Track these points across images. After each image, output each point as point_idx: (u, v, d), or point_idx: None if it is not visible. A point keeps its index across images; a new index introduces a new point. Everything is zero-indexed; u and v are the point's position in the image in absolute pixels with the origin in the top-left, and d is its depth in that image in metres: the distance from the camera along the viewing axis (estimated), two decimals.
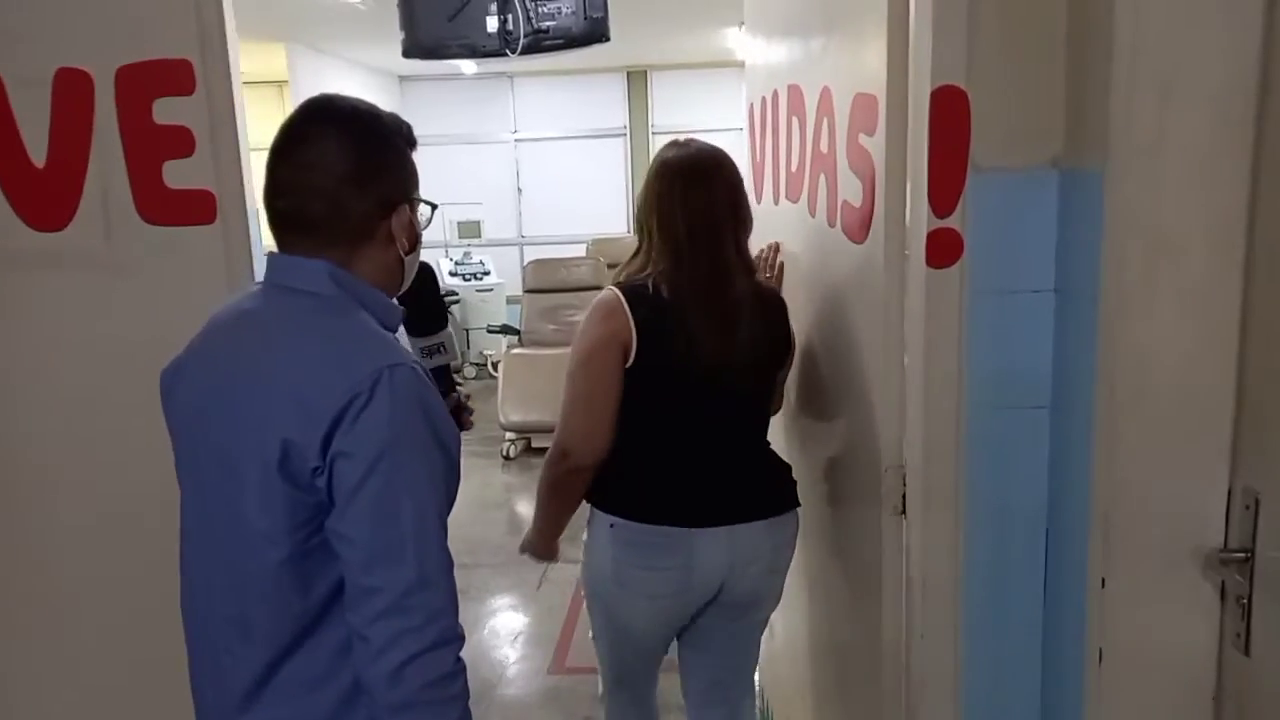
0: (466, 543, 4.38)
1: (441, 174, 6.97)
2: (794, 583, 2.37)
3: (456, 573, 1.17)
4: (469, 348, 8.22)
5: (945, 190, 1.37)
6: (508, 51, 3.43)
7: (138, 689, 1.81)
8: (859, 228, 1.65)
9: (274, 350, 1.16)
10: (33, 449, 1.77)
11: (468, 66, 7.57)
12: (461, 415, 1.52)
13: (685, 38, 7.40)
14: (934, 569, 1.48)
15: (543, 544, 2.02)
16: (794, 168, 2.15)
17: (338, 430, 1.08)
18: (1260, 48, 1.16)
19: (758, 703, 2.97)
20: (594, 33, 3.47)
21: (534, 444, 5.68)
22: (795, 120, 2.11)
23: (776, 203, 2.35)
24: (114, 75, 1.64)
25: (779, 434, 2.42)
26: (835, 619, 2.08)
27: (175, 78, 1.63)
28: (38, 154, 1.66)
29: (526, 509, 3.89)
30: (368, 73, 8.14)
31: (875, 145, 1.53)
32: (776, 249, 2.31)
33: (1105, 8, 1.22)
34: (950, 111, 1.34)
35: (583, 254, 7.49)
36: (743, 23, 2.85)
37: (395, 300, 1.29)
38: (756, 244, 2.33)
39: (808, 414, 2.16)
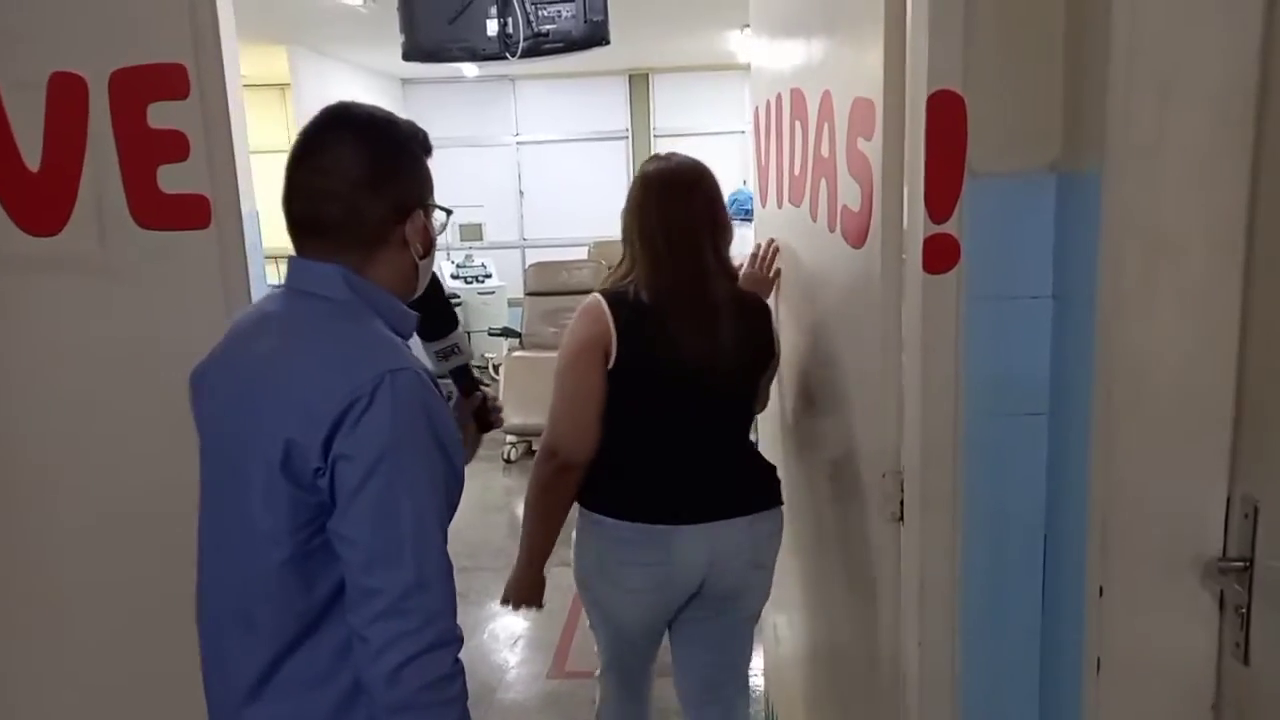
0: (467, 546, 4.37)
1: (443, 176, 6.89)
2: (795, 588, 2.36)
3: (457, 576, 1.17)
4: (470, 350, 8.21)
5: (942, 195, 1.36)
6: (508, 55, 3.43)
7: (137, 689, 1.82)
8: (857, 233, 1.64)
9: (284, 353, 1.19)
10: (29, 452, 1.77)
11: (469, 69, 7.57)
12: (488, 414, 1.55)
13: (687, 40, 7.40)
14: (932, 575, 1.47)
15: (526, 573, 2.00)
16: (797, 171, 2.15)
17: (338, 433, 1.10)
18: (1259, 47, 1.15)
19: (762, 708, 2.98)
20: (594, 36, 3.47)
21: (535, 447, 5.73)
22: (798, 124, 2.10)
23: (780, 206, 2.35)
24: (108, 79, 1.63)
25: (776, 438, 2.41)
26: (834, 624, 2.07)
27: (169, 82, 1.63)
28: (32, 158, 1.66)
29: None
30: (370, 75, 8.15)
31: (873, 150, 1.53)
32: (775, 249, 2.31)
33: (1103, 8, 1.21)
34: (947, 116, 1.34)
35: (584, 257, 7.48)
36: (746, 25, 2.85)
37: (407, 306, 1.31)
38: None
39: (806, 418, 2.15)
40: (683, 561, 1.88)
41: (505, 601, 2.05)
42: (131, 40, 1.63)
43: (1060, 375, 1.39)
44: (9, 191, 1.67)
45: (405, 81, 8.92)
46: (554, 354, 1.98)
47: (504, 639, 3.74)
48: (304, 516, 1.14)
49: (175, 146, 1.65)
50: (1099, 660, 1.29)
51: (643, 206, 1.90)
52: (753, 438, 2.15)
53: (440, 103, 8.87)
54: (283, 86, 7.32)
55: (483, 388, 1.56)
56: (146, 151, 1.66)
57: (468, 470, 1.35)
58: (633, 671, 2.13)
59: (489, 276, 8.43)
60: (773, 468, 2.03)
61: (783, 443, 2.35)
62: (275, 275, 7.88)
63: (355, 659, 1.14)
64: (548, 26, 3.42)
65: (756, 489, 1.97)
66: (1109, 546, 1.26)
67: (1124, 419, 1.24)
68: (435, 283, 1.44)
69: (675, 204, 1.88)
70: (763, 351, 1.97)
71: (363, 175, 1.20)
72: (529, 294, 6.67)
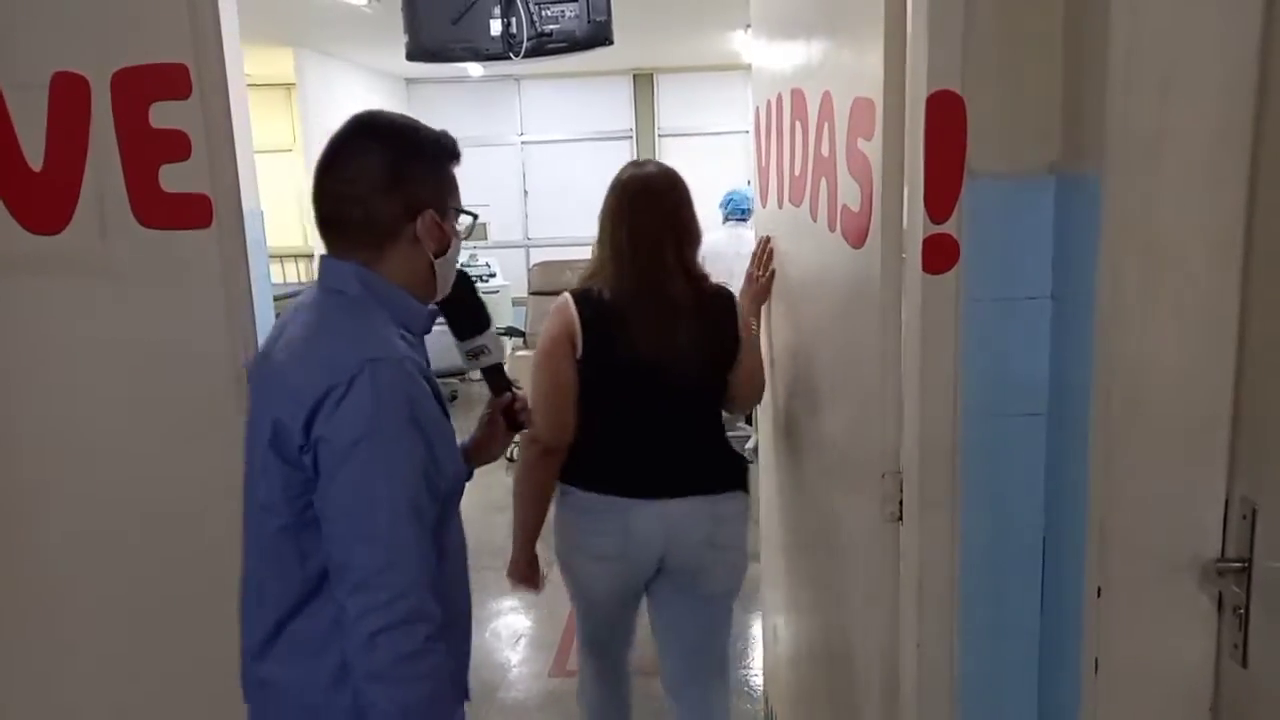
0: (469, 545, 4.36)
1: None
2: (794, 588, 2.36)
3: None
4: None
5: (941, 195, 1.36)
6: (511, 55, 3.43)
7: (137, 689, 1.82)
8: (857, 233, 1.64)
9: (295, 342, 1.30)
10: (29, 451, 1.78)
11: (474, 69, 7.58)
12: (517, 414, 1.61)
13: (691, 40, 7.40)
14: (930, 575, 1.47)
15: (521, 549, 2.21)
16: (797, 171, 2.15)
17: (317, 416, 1.20)
18: (1259, 47, 1.14)
19: (761, 707, 2.98)
20: (597, 36, 3.47)
21: None
22: (798, 124, 2.10)
23: (780, 206, 2.35)
24: (110, 79, 1.64)
25: (776, 438, 2.41)
26: (833, 625, 2.07)
27: (171, 82, 1.64)
28: (34, 158, 1.67)
29: None
30: (374, 76, 8.16)
31: (873, 150, 1.52)
32: (770, 249, 2.33)
33: (1102, 8, 1.20)
34: (946, 116, 1.34)
35: (588, 256, 7.47)
36: (748, 25, 2.86)
37: (434, 305, 1.41)
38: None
39: (805, 418, 2.15)
40: (639, 532, 2.05)
41: (510, 574, 2.27)
42: (133, 40, 1.64)
43: (1059, 376, 1.38)
44: (12, 190, 1.68)
45: (410, 81, 8.93)
46: None
47: (506, 638, 3.75)
48: (295, 490, 1.25)
49: (177, 146, 1.66)
50: (1097, 661, 1.28)
51: (614, 211, 2.06)
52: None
53: (445, 102, 8.88)
54: (288, 87, 7.32)
55: (515, 389, 1.58)
56: (148, 151, 1.67)
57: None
58: (606, 646, 2.30)
59: (493, 276, 8.43)
60: (739, 456, 2.19)
61: (782, 443, 2.35)
62: (279, 274, 7.89)
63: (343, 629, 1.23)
64: (551, 26, 3.42)
65: (714, 474, 2.10)
66: (1107, 547, 1.26)
67: (1123, 419, 1.23)
68: (467, 284, 1.50)
69: (642, 210, 2.04)
70: (727, 345, 2.09)
71: (378, 177, 1.30)
72: (533, 293, 6.67)
